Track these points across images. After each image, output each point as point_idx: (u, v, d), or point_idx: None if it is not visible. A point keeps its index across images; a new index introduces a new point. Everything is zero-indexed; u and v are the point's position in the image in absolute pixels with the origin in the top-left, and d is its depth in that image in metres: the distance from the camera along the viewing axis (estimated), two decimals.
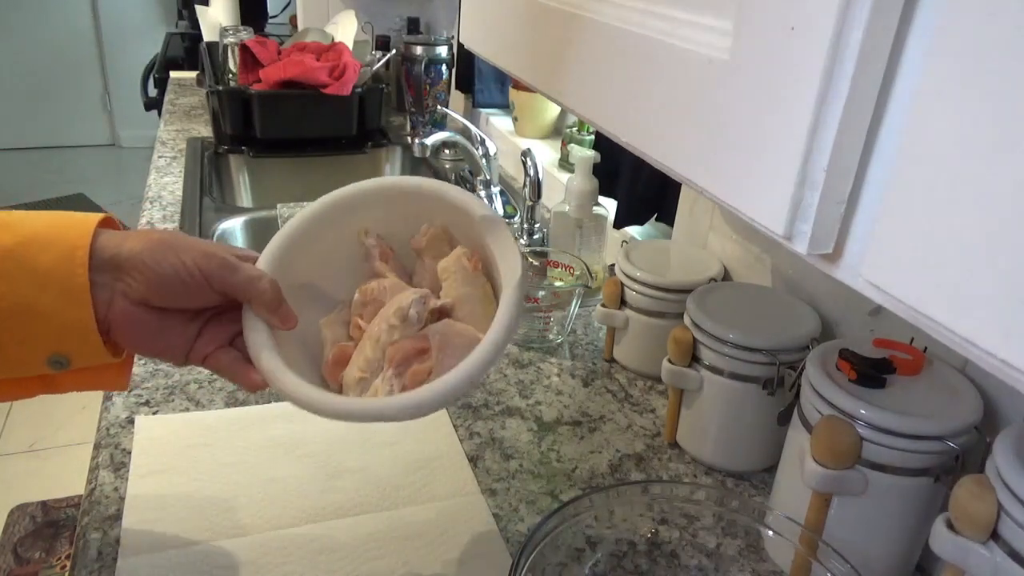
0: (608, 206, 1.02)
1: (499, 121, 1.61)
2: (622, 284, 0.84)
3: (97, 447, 0.68)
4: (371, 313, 0.54)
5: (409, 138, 1.68)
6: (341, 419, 0.48)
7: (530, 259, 0.99)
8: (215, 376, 0.79)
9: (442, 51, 1.59)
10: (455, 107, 1.75)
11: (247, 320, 0.51)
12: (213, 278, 0.49)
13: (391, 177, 0.63)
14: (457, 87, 1.72)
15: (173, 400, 0.75)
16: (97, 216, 0.48)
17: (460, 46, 0.67)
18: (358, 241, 0.57)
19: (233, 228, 1.23)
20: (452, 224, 0.56)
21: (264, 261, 0.53)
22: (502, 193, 1.29)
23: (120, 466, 0.66)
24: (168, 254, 0.47)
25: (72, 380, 0.51)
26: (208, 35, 1.92)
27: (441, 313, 0.53)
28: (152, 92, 2.75)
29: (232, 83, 1.56)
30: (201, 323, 0.52)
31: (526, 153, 1.10)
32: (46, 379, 0.51)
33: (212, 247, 0.50)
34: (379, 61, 1.61)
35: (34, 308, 0.45)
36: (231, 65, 1.59)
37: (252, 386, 0.50)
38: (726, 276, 0.86)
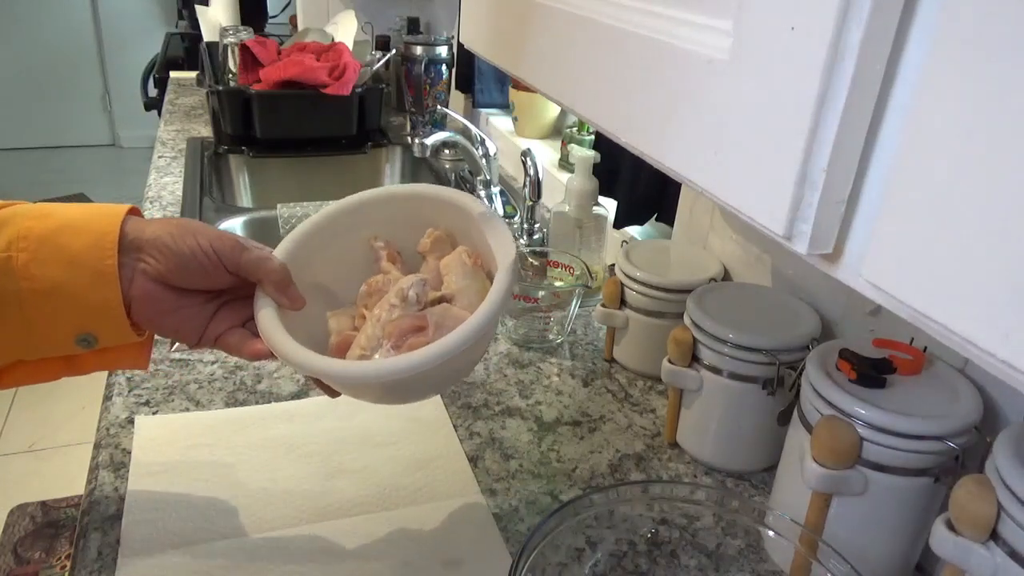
0: (608, 206, 1.02)
1: (499, 121, 1.61)
2: (622, 284, 0.84)
3: (97, 447, 0.68)
4: (375, 303, 0.57)
5: (409, 138, 1.68)
6: (331, 380, 0.51)
7: (530, 259, 0.99)
8: (215, 376, 0.80)
9: (442, 51, 1.59)
10: (455, 107, 1.75)
11: (258, 300, 0.54)
12: (226, 257, 0.52)
13: (394, 185, 0.69)
14: (457, 87, 1.72)
15: (173, 400, 0.75)
16: (126, 207, 0.52)
17: (460, 46, 0.67)
18: (368, 246, 0.60)
19: (233, 228, 1.22)
20: (454, 227, 0.59)
21: (278, 252, 0.56)
22: (502, 193, 1.29)
23: (120, 466, 0.66)
24: (187, 236, 0.51)
25: (95, 360, 0.55)
26: (208, 35, 1.92)
27: (441, 301, 0.55)
28: (152, 92, 2.75)
29: (232, 83, 1.56)
30: (216, 306, 0.55)
31: (526, 153, 1.10)
32: (70, 360, 0.54)
33: (227, 232, 0.53)
34: (379, 61, 1.61)
35: (65, 289, 0.48)
36: (231, 65, 1.59)
37: (254, 354, 0.54)
38: (726, 276, 0.86)
